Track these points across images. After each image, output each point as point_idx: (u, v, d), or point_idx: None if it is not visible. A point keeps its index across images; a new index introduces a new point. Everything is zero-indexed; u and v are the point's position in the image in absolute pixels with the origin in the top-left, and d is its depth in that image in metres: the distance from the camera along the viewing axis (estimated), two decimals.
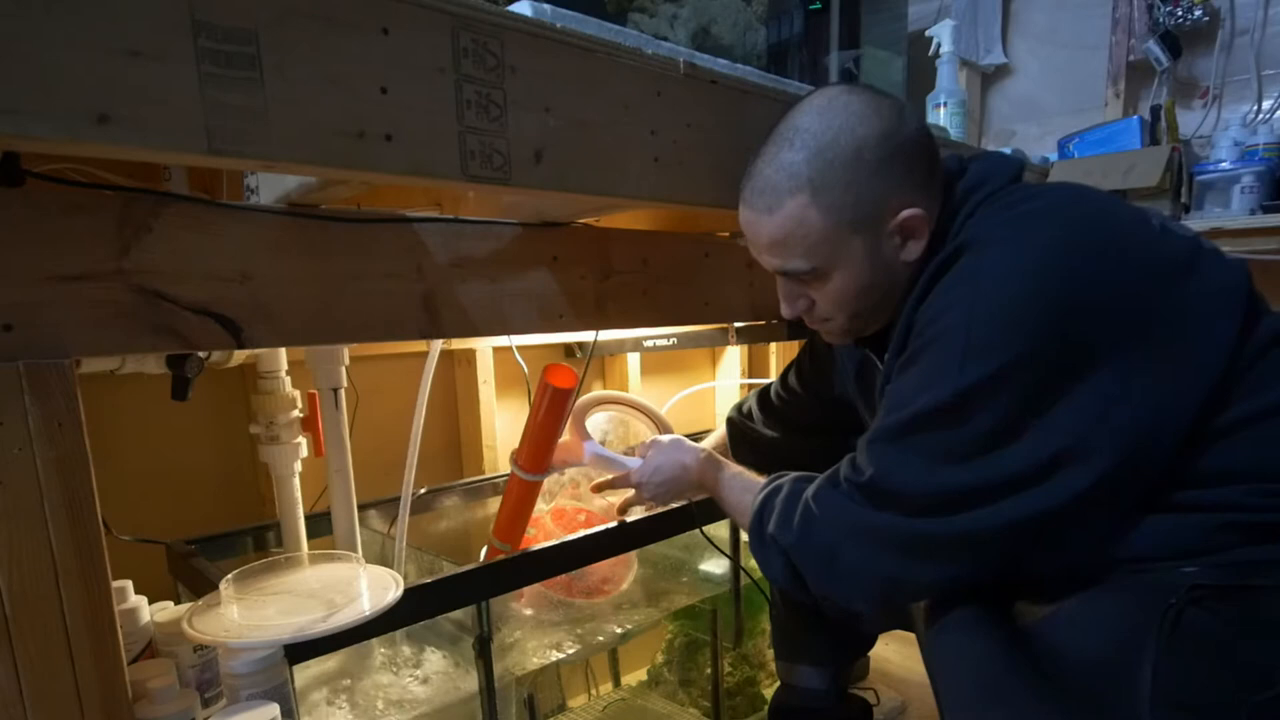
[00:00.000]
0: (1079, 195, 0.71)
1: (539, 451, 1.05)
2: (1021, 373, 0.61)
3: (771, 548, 0.76)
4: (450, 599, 0.86)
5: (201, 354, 0.81)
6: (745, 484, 0.87)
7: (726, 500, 0.90)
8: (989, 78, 2.23)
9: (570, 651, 1.11)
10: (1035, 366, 0.61)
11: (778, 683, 1.17)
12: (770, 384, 1.15)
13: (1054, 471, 0.62)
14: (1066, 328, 0.61)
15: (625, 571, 1.19)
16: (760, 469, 1.11)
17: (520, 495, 1.08)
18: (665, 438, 1.01)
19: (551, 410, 1.03)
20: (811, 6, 1.10)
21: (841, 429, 1.02)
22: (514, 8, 0.65)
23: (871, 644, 1.16)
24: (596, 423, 1.19)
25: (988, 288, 0.64)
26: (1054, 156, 1.81)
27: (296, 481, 1.01)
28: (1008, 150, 1.63)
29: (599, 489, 1.06)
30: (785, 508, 0.76)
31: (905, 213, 0.71)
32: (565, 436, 1.09)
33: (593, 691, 1.48)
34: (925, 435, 0.65)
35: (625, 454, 1.10)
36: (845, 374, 0.98)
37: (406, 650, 1.02)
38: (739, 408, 1.18)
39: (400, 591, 0.78)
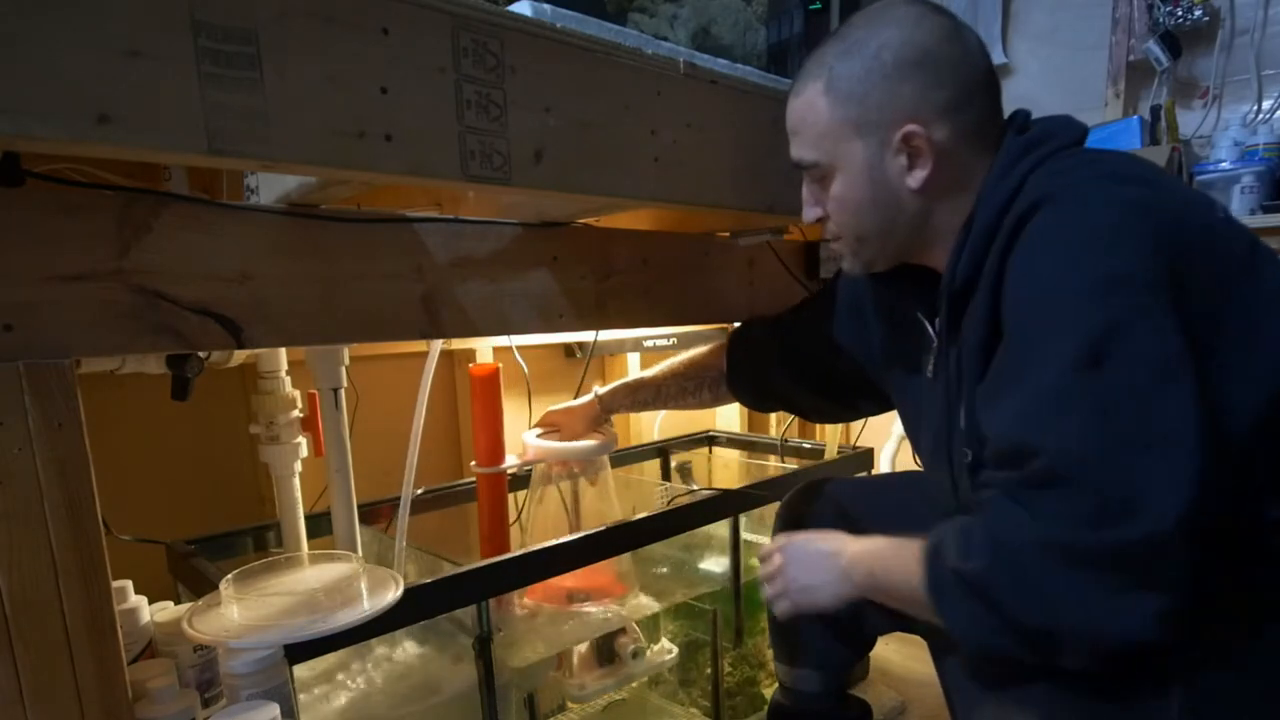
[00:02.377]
0: (1151, 164, 0.67)
1: (488, 440, 1.11)
2: (1150, 295, 0.56)
3: (956, 589, 0.62)
4: (450, 599, 0.86)
5: (201, 354, 0.81)
6: (900, 544, 0.74)
7: (888, 566, 0.74)
8: None
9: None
10: (1159, 293, 0.56)
11: (777, 683, 1.17)
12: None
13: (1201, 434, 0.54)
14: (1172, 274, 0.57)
15: (617, 577, 1.20)
16: (754, 393, 1.13)
17: (487, 495, 1.12)
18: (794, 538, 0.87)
19: (482, 397, 1.10)
20: (811, 6, 1.10)
21: (825, 375, 1.03)
22: (514, 8, 0.65)
23: (871, 645, 1.15)
24: None
25: (1084, 233, 0.59)
26: None
27: (296, 481, 1.01)
28: None
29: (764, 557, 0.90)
30: (963, 537, 0.63)
31: (909, 128, 0.68)
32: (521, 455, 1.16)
33: None
34: (1075, 390, 0.56)
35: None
36: (845, 319, 0.98)
37: (406, 647, 1.02)
38: (746, 325, 1.16)
39: (400, 591, 0.78)
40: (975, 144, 0.70)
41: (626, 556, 1.18)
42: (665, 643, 1.26)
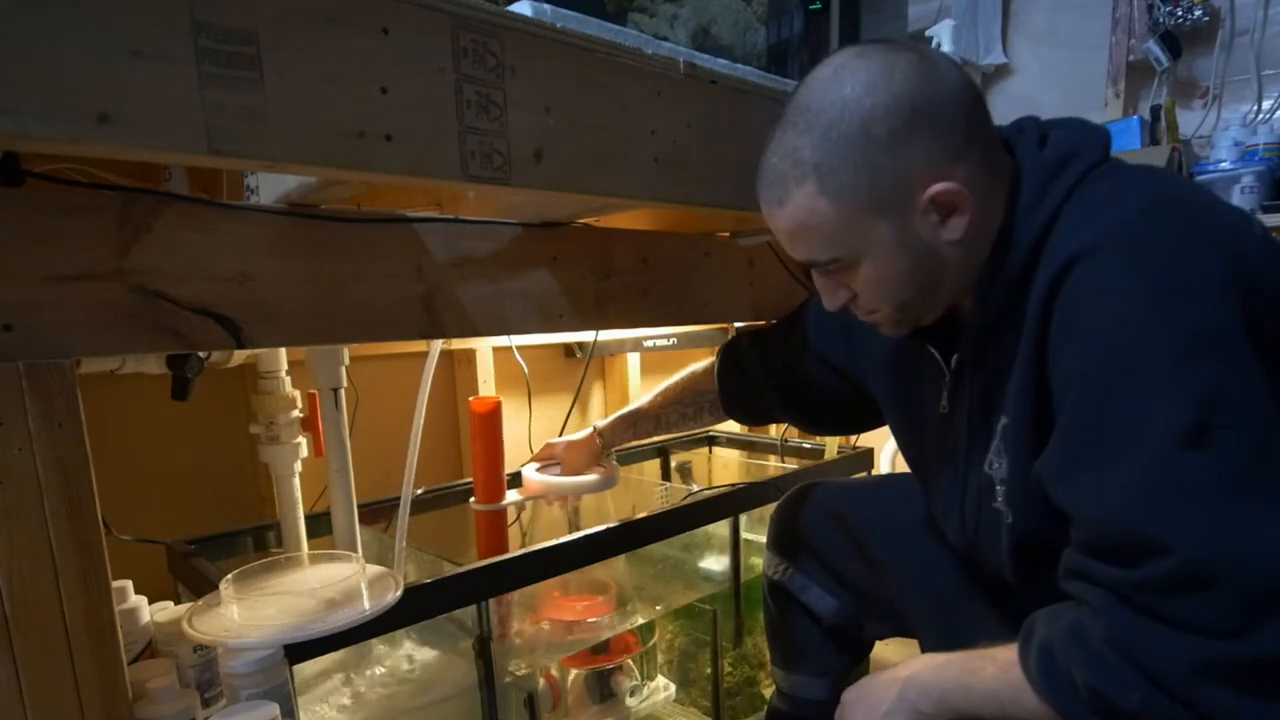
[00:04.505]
0: (1185, 183, 0.63)
1: (488, 478, 1.10)
2: (1236, 346, 0.52)
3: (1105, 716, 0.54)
4: (450, 599, 0.86)
5: (201, 354, 0.81)
6: (968, 658, 0.67)
7: (965, 685, 0.66)
8: (989, 78, 2.23)
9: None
10: (1241, 343, 0.52)
11: (775, 687, 1.17)
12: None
13: None
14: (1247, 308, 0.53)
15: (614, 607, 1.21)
16: (750, 415, 1.13)
17: (486, 532, 1.11)
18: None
19: (483, 433, 1.08)
20: (811, 6, 1.10)
21: (816, 396, 1.01)
22: (514, 8, 0.65)
23: (870, 648, 1.15)
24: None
25: (1155, 282, 0.54)
26: None
27: (296, 481, 1.01)
28: None
29: None
30: (1082, 650, 0.55)
31: (937, 187, 0.61)
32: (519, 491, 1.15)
33: None
34: (1191, 471, 0.50)
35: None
36: (833, 336, 0.95)
37: (406, 647, 1.02)
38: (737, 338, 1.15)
39: (400, 591, 0.78)
40: (992, 166, 0.65)
41: (629, 598, 1.19)
42: (661, 679, 1.27)
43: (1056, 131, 0.67)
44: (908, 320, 0.71)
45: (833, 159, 0.62)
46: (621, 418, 1.17)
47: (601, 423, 1.18)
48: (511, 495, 1.13)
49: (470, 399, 1.11)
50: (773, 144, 0.67)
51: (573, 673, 1.17)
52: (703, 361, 1.16)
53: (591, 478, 1.14)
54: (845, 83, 0.62)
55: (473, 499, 1.12)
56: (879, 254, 0.65)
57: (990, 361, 0.68)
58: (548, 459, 1.19)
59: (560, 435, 1.23)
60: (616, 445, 1.18)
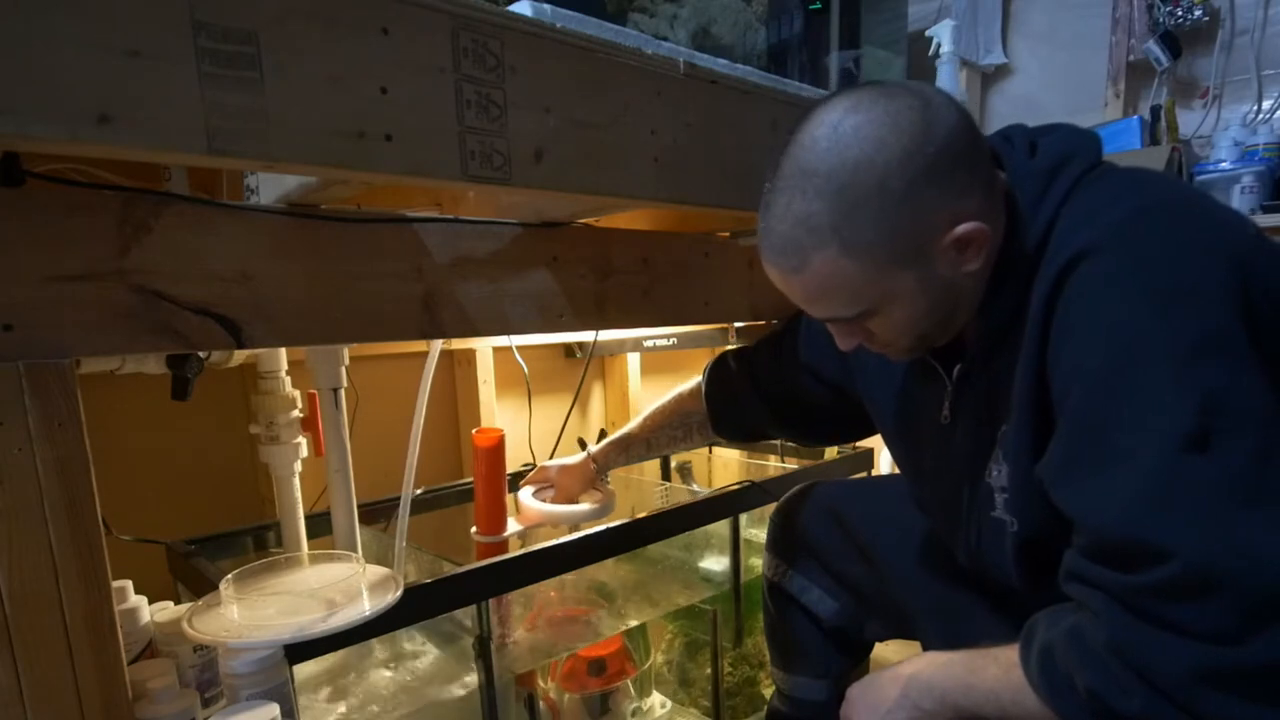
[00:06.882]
0: (1182, 187, 0.62)
1: (490, 511, 1.10)
2: (1237, 350, 0.52)
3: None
4: (450, 599, 0.86)
5: (201, 354, 0.81)
6: (970, 657, 0.68)
7: (967, 684, 0.66)
8: (989, 78, 2.23)
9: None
10: (1243, 342, 0.52)
11: (775, 689, 1.17)
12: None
13: None
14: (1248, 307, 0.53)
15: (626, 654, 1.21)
16: (741, 435, 1.13)
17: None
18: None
19: (486, 466, 1.08)
20: (811, 6, 1.10)
21: (808, 412, 1.01)
22: (514, 8, 0.65)
23: (869, 650, 1.15)
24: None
25: (1155, 286, 0.54)
26: None
27: (296, 481, 1.01)
28: None
29: None
30: (1081, 653, 0.55)
31: (960, 229, 0.61)
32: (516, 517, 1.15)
33: None
34: (1193, 478, 0.50)
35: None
36: (825, 350, 0.93)
37: (406, 647, 1.02)
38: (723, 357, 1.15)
39: (400, 591, 0.78)
40: (991, 188, 0.64)
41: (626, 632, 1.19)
42: (657, 696, 1.28)
43: (1046, 139, 0.67)
44: (922, 348, 0.71)
45: (853, 221, 0.61)
46: (613, 442, 1.17)
47: (594, 447, 1.18)
48: (512, 525, 1.13)
49: (473, 431, 1.10)
50: (777, 210, 0.64)
51: (567, 696, 1.18)
52: (690, 382, 1.15)
53: (588, 507, 1.14)
54: (850, 142, 0.60)
55: (474, 529, 1.12)
56: (903, 299, 0.64)
57: (992, 369, 0.68)
58: (542, 482, 1.19)
59: (560, 434, 1.23)
60: (610, 468, 1.18)
